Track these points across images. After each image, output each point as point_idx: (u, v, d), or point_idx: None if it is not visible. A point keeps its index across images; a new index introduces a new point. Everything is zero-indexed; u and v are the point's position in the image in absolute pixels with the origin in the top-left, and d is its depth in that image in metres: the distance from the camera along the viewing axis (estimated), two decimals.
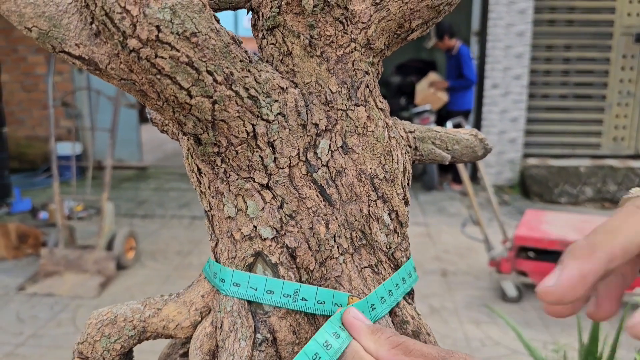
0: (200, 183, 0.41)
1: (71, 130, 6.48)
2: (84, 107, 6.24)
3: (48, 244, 3.63)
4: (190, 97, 0.33)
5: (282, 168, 0.38)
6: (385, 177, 0.41)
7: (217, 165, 0.39)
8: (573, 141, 5.52)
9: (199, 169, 0.40)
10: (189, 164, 0.42)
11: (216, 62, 0.33)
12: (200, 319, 0.42)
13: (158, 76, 0.32)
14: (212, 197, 0.40)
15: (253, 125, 0.37)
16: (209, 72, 0.33)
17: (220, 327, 0.39)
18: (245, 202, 0.39)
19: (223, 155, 0.38)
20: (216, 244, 0.42)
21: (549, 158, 5.46)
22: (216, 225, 0.41)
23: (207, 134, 0.36)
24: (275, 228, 0.39)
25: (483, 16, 5.47)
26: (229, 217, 0.39)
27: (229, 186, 0.39)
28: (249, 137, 0.37)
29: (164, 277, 3.65)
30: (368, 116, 0.40)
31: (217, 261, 0.41)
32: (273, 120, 0.37)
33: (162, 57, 0.31)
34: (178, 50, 0.31)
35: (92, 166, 4.02)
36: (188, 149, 0.41)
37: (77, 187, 4.13)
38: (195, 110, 0.34)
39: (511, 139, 5.41)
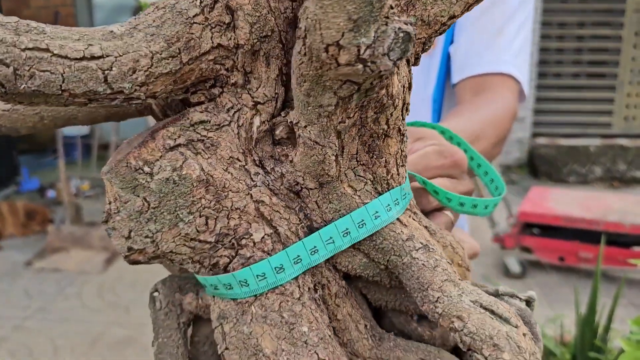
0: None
1: None
2: None
3: (55, 221, 3.67)
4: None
5: None
6: None
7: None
8: (583, 120, 5.44)
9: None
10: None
11: None
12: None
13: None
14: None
15: None
16: None
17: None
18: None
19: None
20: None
21: (558, 137, 5.40)
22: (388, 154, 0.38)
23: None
24: None
25: None
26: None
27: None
28: None
29: None
30: None
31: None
32: None
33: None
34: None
35: (97, 145, 4.04)
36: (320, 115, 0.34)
37: (83, 166, 4.16)
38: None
39: (519, 118, 5.35)
